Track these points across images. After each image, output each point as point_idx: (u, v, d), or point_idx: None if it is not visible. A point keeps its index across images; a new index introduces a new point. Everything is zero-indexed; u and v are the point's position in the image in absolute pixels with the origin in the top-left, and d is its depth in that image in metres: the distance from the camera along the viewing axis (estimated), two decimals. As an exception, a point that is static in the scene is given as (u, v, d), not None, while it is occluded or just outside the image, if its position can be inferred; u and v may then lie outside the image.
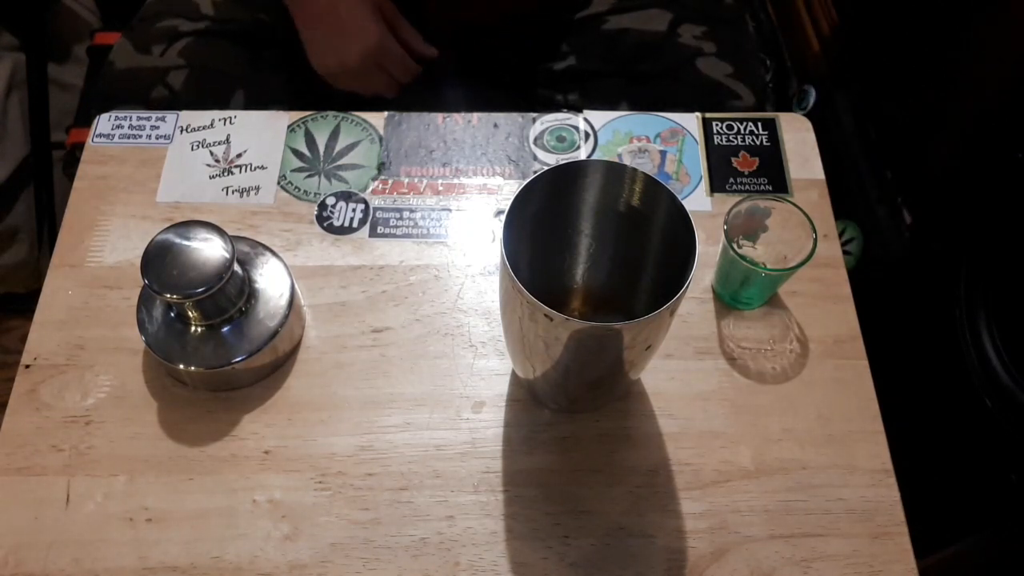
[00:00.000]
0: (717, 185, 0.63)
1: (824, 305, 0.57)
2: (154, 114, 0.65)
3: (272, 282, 0.55)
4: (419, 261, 0.59)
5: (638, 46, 0.76)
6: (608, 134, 0.65)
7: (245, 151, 0.63)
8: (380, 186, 0.62)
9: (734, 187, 0.62)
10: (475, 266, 0.59)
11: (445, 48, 0.76)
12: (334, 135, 0.65)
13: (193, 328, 0.52)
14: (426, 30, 0.75)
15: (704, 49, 0.76)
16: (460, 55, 0.79)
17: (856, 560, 0.49)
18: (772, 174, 0.63)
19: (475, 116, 0.66)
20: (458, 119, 0.66)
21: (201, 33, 0.74)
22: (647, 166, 0.63)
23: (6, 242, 1.11)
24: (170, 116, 0.65)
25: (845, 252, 1.06)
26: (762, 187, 0.62)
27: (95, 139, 0.64)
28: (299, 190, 0.62)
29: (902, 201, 1.09)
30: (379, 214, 0.61)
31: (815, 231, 0.52)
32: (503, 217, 0.42)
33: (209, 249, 0.49)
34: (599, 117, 0.66)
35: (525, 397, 0.54)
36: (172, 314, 0.52)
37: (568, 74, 0.77)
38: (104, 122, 0.64)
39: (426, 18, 0.76)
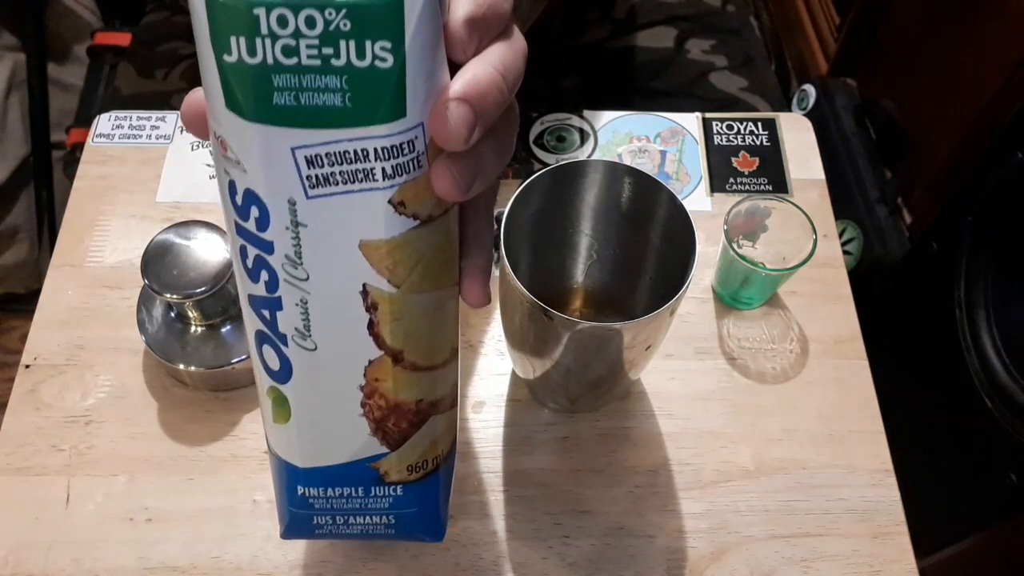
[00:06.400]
0: (717, 185, 0.63)
1: (824, 305, 0.57)
2: (154, 114, 0.65)
3: (272, 282, 0.54)
4: (419, 261, 0.59)
5: (647, 65, 0.75)
6: (608, 134, 0.65)
7: (245, 151, 0.63)
8: (380, 186, 0.62)
9: (734, 187, 0.62)
10: (475, 266, 0.59)
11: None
12: (334, 135, 0.64)
13: (193, 328, 0.52)
14: None
15: (716, 63, 0.76)
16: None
17: (856, 560, 0.49)
18: (772, 174, 0.63)
19: (475, 116, 0.66)
20: (458, 119, 0.66)
21: None
22: (647, 166, 0.63)
23: (6, 242, 1.11)
24: (170, 116, 0.65)
25: (845, 252, 1.06)
26: (762, 187, 0.62)
27: (95, 139, 0.64)
28: (299, 190, 0.62)
29: (902, 201, 1.09)
30: (379, 214, 0.61)
31: (815, 231, 0.52)
32: (503, 217, 0.42)
33: (209, 249, 0.49)
34: (599, 117, 0.66)
35: (525, 397, 0.54)
36: (172, 314, 0.52)
37: (576, 93, 0.76)
38: (104, 122, 0.64)
39: None
